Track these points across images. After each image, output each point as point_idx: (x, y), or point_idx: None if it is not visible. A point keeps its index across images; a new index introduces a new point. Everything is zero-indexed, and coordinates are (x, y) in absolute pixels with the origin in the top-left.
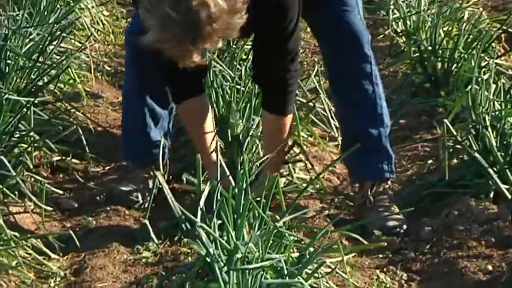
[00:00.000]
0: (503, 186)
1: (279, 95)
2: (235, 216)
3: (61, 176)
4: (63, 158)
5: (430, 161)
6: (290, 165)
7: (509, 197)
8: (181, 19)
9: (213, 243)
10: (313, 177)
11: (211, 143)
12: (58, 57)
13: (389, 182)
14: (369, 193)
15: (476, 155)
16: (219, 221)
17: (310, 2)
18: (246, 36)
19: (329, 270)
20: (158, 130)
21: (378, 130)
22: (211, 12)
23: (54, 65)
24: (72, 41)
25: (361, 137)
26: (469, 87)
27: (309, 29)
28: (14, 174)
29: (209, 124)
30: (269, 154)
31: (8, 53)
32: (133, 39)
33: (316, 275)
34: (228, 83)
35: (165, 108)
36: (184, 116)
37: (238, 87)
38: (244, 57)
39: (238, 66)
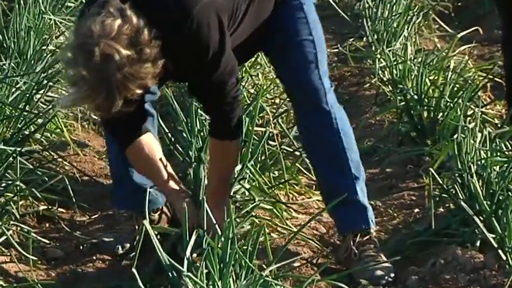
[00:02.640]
0: (489, 235)
1: (222, 122)
2: (222, 265)
3: (47, 225)
4: (49, 207)
5: (416, 210)
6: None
7: (496, 245)
8: (92, 75)
9: None
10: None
11: (166, 172)
12: (45, 106)
13: (373, 232)
14: (352, 245)
15: (462, 203)
16: (206, 270)
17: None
18: (181, 81)
19: None
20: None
21: (348, 183)
22: (117, 63)
23: (41, 114)
24: (59, 89)
25: (333, 190)
26: (455, 136)
27: None
28: (0, 223)
29: (158, 156)
30: (212, 181)
31: None
32: None
33: None
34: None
35: None
36: (133, 160)
37: None
38: None
39: None
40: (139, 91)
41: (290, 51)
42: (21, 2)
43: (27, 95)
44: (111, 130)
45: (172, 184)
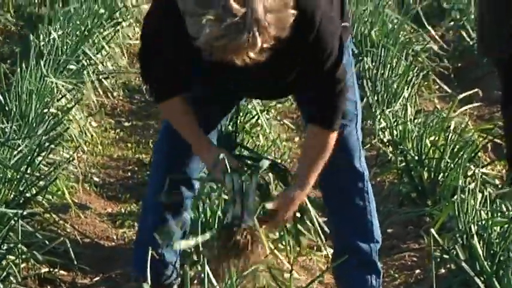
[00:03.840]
0: None
1: (327, 107)
2: None
3: (49, 287)
4: (51, 269)
5: (417, 271)
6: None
7: None
8: (236, 13)
9: None
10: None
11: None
12: (46, 169)
13: None
14: None
15: (463, 264)
16: None
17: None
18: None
19: None
20: (173, 251)
21: (369, 245)
22: (265, 5)
23: (43, 176)
24: (61, 152)
25: (352, 251)
26: (455, 196)
27: None
28: (2, 286)
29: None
30: (302, 169)
31: None
32: (162, 146)
33: None
34: None
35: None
36: (170, 111)
37: None
38: None
39: None
40: (269, 41)
41: None
42: (23, 65)
43: (29, 158)
44: (166, 77)
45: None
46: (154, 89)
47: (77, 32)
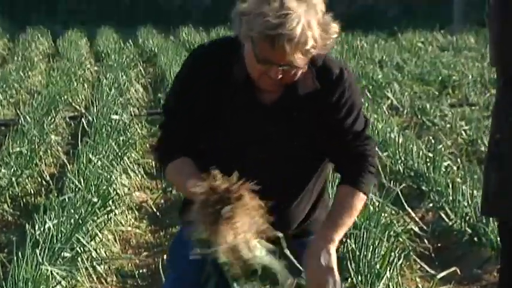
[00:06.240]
0: None
1: (358, 168)
2: None
3: None
4: None
5: None
6: None
7: None
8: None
9: None
10: None
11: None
12: None
13: None
14: None
15: None
16: None
17: None
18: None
19: None
20: None
21: None
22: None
23: None
24: None
25: None
26: None
27: None
28: None
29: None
30: (329, 222)
31: None
32: None
33: None
34: None
35: None
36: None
37: None
38: None
39: None
40: (314, 49)
41: None
42: (20, 253)
43: None
44: (169, 146)
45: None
46: (165, 153)
47: (71, 221)
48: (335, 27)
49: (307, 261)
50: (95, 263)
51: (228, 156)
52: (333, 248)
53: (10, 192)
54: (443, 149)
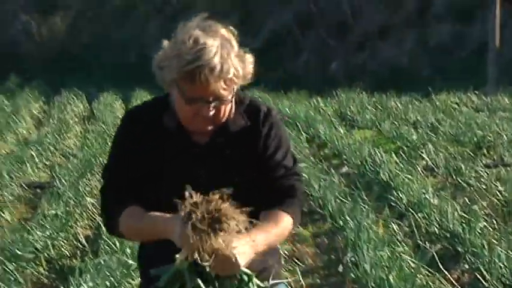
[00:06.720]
0: None
1: (287, 197)
2: None
3: None
4: None
5: None
6: None
7: None
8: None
9: None
10: None
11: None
12: None
13: None
14: None
15: None
16: None
17: None
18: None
19: None
20: None
21: None
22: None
23: None
24: None
25: None
26: None
27: None
28: None
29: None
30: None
31: None
32: None
33: None
34: None
35: None
36: (126, 220)
37: None
38: None
39: None
40: (236, 78)
41: None
42: None
43: None
44: (113, 200)
45: (165, 215)
46: (113, 209)
47: (107, 283)
48: (250, 57)
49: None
50: None
51: (170, 201)
52: (249, 242)
53: (45, 255)
54: (478, 209)
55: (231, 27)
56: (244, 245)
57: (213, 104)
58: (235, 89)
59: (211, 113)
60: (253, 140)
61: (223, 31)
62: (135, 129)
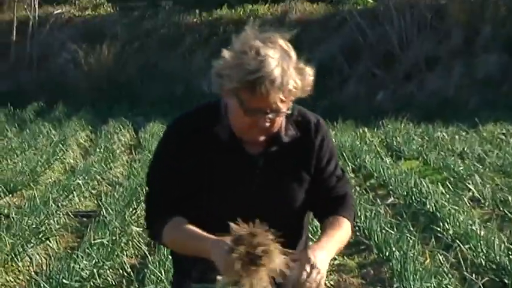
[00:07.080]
0: None
1: (343, 205)
2: None
3: None
4: None
5: None
6: None
7: None
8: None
9: None
10: None
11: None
12: None
13: None
14: None
15: None
16: None
17: None
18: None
19: None
20: None
21: None
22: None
23: None
24: None
25: None
26: None
27: None
28: None
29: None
30: (324, 236)
31: None
32: None
33: None
34: None
35: None
36: (170, 233)
37: None
38: None
39: None
40: (295, 90)
41: None
42: None
43: None
44: (161, 211)
45: (210, 237)
46: (157, 220)
47: None
48: (310, 69)
49: (299, 255)
50: None
51: (224, 214)
52: (324, 253)
53: (92, 284)
54: None
55: (287, 34)
56: (325, 260)
57: (270, 116)
58: (292, 102)
59: (268, 123)
60: (306, 151)
61: (281, 42)
62: (185, 138)
